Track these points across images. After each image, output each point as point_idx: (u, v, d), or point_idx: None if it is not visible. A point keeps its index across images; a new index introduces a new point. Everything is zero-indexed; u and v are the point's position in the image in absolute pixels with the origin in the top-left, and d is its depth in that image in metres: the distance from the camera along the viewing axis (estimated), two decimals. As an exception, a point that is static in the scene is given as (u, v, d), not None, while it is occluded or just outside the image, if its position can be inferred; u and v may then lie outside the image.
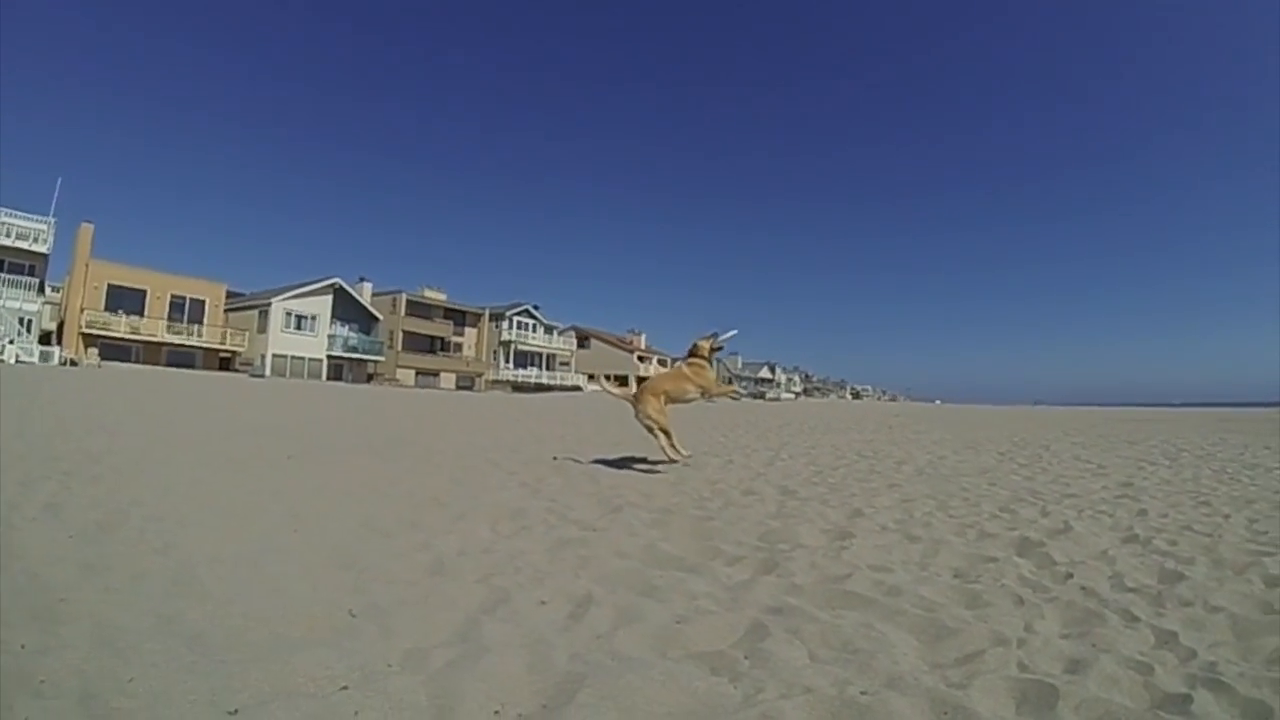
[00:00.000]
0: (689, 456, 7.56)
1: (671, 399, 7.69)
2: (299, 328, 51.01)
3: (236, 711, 1.95)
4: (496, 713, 2.06)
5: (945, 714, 2.06)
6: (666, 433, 7.39)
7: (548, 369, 69.96)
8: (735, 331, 8.29)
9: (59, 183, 43.16)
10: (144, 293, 44.31)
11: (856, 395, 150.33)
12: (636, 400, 7.55)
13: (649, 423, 7.37)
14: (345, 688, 2.13)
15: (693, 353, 7.96)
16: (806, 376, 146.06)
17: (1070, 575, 3.66)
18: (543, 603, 3.08)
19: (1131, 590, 3.44)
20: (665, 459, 7.67)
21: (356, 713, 1.98)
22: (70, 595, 2.78)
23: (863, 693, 2.18)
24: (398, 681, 2.18)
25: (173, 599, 2.85)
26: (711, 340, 8.04)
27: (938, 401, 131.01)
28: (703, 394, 7.77)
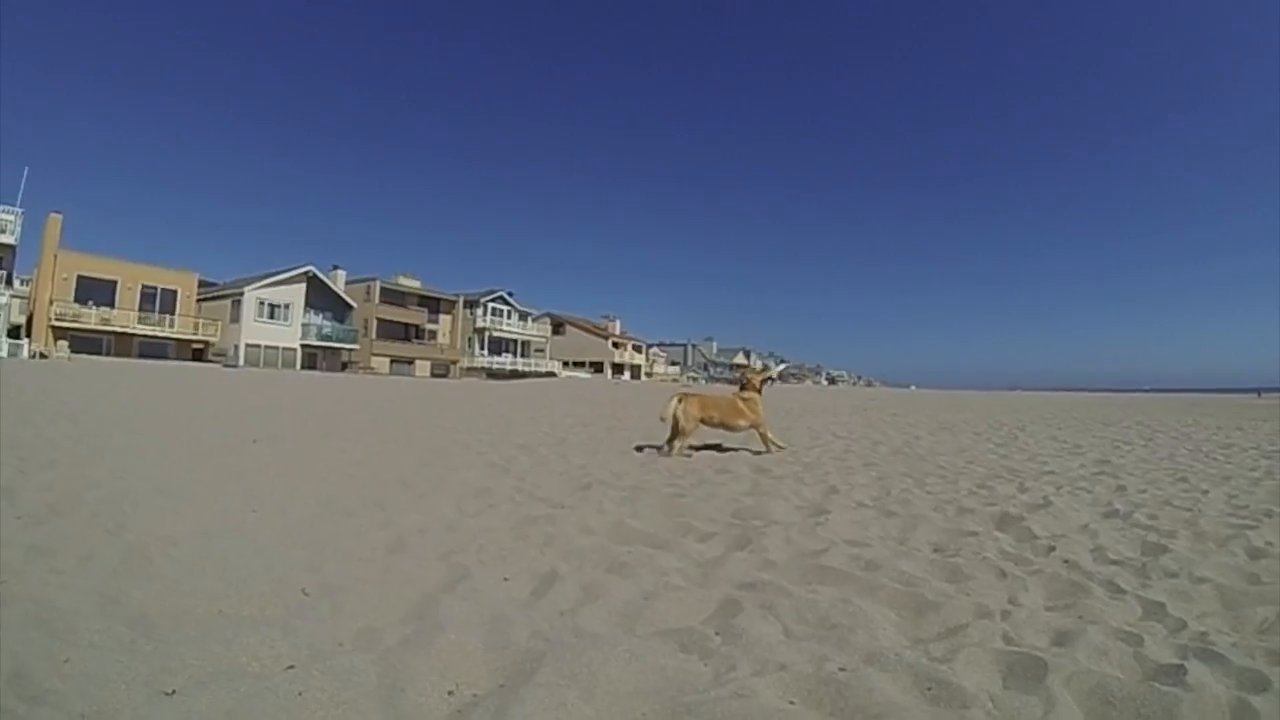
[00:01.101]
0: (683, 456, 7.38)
1: (722, 424, 7.62)
2: (272, 317, 50.11)
3: (174, 692, 1.86)
4: (450, 692, 1.96)
5: (929, 689, 1.95)
6: (683, 436, 7.24)
7: (523, 356, 69.28)
8: (786, 365, 8.38)
9: (25, 173, 42.11)
10: (114, 284, 43.11)
11: (832, 380, 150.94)
12: (682, 398, 7.40)
13: (682, 419, 7.20)
14: (291, 667, 2.03)
15: (745, 385, 7.97)
16: (781, 361, 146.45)
17: (1052, 548, 3.59)
18: (505, 580, 2.96)
19: (1115, 563, 3.38)
20: (635, 446, 7.54)
21: (300, 693, 1.87)
22: (12, 577, 2.64)
23: (841, 669, 2.06)
24: (347, 660, 2.06)
25: (119, 579, 2.73)
26: (763, 373, 8.23)
27: (913, 387, 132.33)
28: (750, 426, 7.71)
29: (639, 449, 7.53)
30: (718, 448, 7.77)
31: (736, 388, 8.12)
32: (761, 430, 7.68)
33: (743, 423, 7.64)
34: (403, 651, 2.15)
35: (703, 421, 7.43)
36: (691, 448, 7.50)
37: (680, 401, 7.32)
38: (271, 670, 2.01)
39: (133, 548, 3.15)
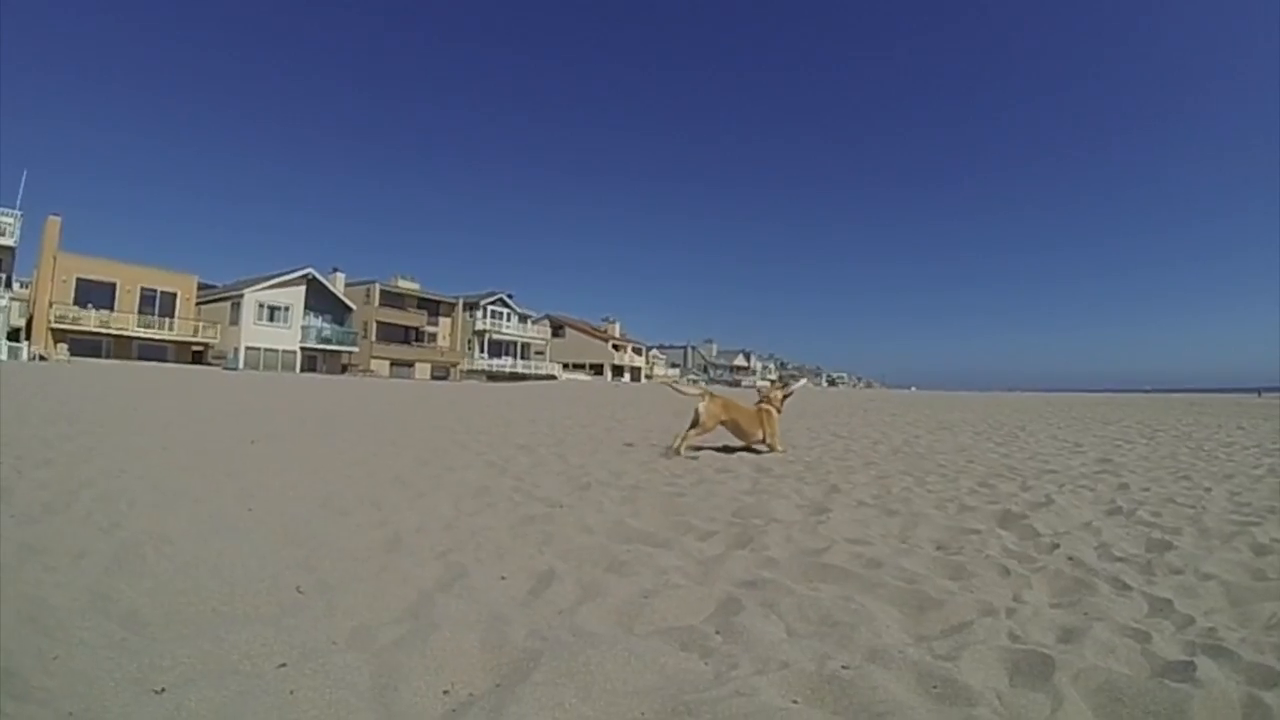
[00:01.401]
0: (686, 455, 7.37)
1: (737, 429, 7.75)
2: (272, 319, 50.13)
3: (163, 690, 1.83)
4: (446, 692, 1.92)
5: (935, 688, 1.91)
6: (700, 431, 7.35)
7: (522, 358, 69.25)
8: (804, 381, 9.71)
9: (24, 175, 42.07)
10: (114, 286, 43.15)
11: (832, 382, 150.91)
12: (706, 395, 7.62)
13: (704, 415, 7.34)
14: (283, 665, 2.00)
15: (766, 400, 8.09)
16: (782, 364, 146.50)
17: (1056, 546, 3.56)
18: (502, 578, 2.93)
19: (1120, 559, 3.34)
20: (635, 446, 7.53)
21: (292, 691, 1.84)
22: (4, 575, 2.61)
23: (844, 667, 2.02)
24: (340, 659, 2.03)
25: (111, 577, 2.70)
26: (783, 390, 8.52)
27: (913, 388, 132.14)
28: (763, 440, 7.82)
29: (637, 448, 7.50)
30: (721, 448, 7.74)
31: (758, 399, 8.21)
32: (771, 443, 7.75)
33: (759, 433, 7.74)
34: (397, 650, 2.11)
35: (721, 422, 7.56)
36: (694, 448, 7.48)
37: (705, 398, 7.50)
38: (263, 668, 1.98)
39: (127, 546, 3.11)
